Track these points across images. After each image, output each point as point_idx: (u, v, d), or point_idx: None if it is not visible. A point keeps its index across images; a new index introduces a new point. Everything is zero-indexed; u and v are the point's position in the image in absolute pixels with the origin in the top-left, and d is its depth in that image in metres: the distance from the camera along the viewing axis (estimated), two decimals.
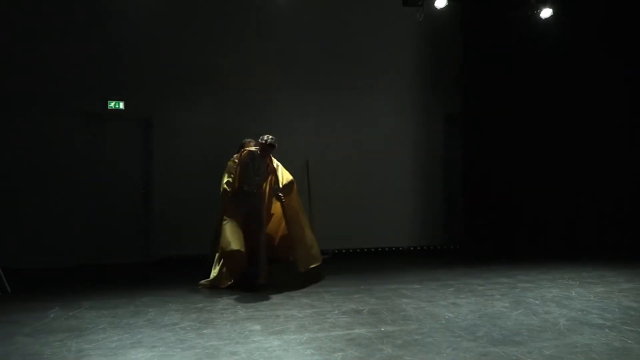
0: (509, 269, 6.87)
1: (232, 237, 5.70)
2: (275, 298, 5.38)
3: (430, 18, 8.23)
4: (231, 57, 8.15)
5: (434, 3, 7.69)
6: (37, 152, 7.32)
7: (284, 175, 6.26)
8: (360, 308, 4.87)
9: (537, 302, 5.13)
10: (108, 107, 7.69)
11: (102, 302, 5.15)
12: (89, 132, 7.64)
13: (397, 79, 8.89)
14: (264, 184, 6.30)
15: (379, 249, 8.69)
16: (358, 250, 8.58)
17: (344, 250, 8.49)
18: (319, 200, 8.34)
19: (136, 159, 7.88)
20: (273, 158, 6.27)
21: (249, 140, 6.57)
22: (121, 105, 7.74)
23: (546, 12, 7.90)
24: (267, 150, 6.04)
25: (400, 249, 8.81)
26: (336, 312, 4.73)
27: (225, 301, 5.21)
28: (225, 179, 6.05)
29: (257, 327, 4.29)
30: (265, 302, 5.22)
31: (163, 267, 7.32)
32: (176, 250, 7.67)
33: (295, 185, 6.39)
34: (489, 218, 8.55)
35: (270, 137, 6.06)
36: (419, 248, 8.91)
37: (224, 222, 5.83)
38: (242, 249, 5.68)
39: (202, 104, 8.00)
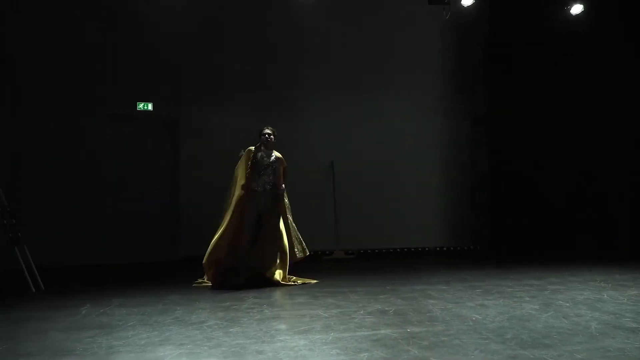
0: (538, 271, 6.74)
1: (212, 247, 5.92)
2: (301, 298, 5.39)
3: (456, 16, 8.13)
4: (255, 58, 8.22)
5: (460, 1, 7.60)
6: (68, 153, 7.52)
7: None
8: (386, 308, 4.84)
9: (567, 304, 5.01)
10: (137, 109, 7.85)
11: (131, 300, 5.25)
12: (119, 132, 7.81)
13: (422, 79, 8.82)
14: (277, 181, 6.10)
15: (405, 250, 8.64)
16: (384, 251, 8.54)
17: (369, 251, 8.46)
18: (345, 200, 8.33)
19: (163, 159, 8.01)
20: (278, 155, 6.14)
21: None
22: (149, 106, 7.90)
23: (577, 9, 7.73)
24: (262, 142, 5.99)
25: (426, 249, 8.74)
26: (362, 312, 4.71)
27: (252, 300, 5.25)
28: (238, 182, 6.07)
29: (283, 326, 4.30)
30: (290, 301, 5.23)
31: (190, 265, 7.40)
32: (203, 249, 7.75)
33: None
34: (517, 218, 8.42)
35: (267, 129, 6.05)
36: (445, 249, 8.82)
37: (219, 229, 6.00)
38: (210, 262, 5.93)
39: (228, 105, 8.09)
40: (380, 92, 8.64)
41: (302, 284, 6.06)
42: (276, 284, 5.97)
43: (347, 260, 7.97)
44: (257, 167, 6.04)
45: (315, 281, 6.14)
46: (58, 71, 7.52)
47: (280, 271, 6.08)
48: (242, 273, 6.00)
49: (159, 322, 4.46)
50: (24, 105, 7.32)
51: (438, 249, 8.80)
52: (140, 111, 7.89)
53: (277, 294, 5.53)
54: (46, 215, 7.31)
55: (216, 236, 5.98)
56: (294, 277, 6.18)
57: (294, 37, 8.34)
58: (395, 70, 8.70)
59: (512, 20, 8.49)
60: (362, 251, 8.38)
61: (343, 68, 8.52)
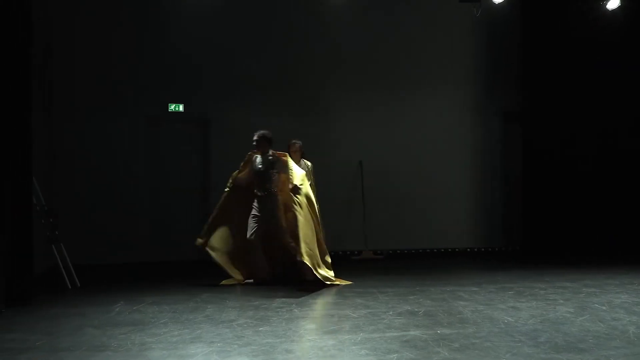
0: (572, 273, 6.58)
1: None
2: (330, 298, 5.40)
3: (488, 12, 8.01)
4: (284, 58, 8.26)
5: None
6: (102, 154, 7.72)
7: (295, 173, 6.08)
8: (416, 310, 4.80)
9: (604, 308, 4.87)
10: (168, 110, 8.01)
11: (163, 298, 5.35)
12: (151, 133, 7.98)
13: (453, 77, 8.71)
14: (283, 185, 6.18)
15: (435, 250, 8.54)
16: (413, 251, 8.47)
17: (398, 251, 8.41)
18: (373, 200, 8.30)
19: (195, 159, 8.14)
20: (286, 158, 6.18)
21: (294, 141, 6.64)
22: (180, 107, 8.04)
23: (613, 3, 7.51)
24: (256, 146, 6.08)
25: (457, 250, 8.63)
26: (391, 313, 4.69)
27: (281, 300, 5.28)
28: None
29: (312, 326, 4.32)
30: (319, 301, 5.24)
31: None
32: None
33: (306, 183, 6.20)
34: (552, 219, 8.22)
35: (255, 134, 6.11)
36: (476, 249, 8.69)
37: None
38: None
39: (257, 105, 8.15)
40: (409, 91, 8.56)
41: (337, 284, 5.98)
42: (308, 272, 5.79)
43: (376, 260, 7.94)
44: (255, 173, 6.15)
45: (349, 282, 6.08)
46: (91, 74, 7.71)
47: (306, 256, 5.70)
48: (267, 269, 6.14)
49: (190, 319, 4.54)
50: (59, 107, 7.53)
51: (469, 249, 8.68)
52: (172, 112, 8.04)
53: (306, 294, 5.55)
54: (81, 215, 7.50)
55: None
56: (332, 273, 6.07)
57: (322, 37, 8.34)
58: (425, 68, 8.61)
59: (545, 16, 8.30)
60: (391, 251, 8.33)
61: (372, 67, 8.48)
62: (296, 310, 4.85)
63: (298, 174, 6.03)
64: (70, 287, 5.94)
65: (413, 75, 8.57)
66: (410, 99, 8.55)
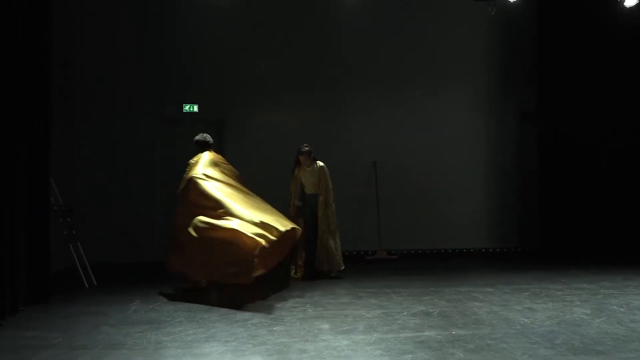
0: (590, 274, 6.49)
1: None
2: (344, 298, 5.39)
3: (503, 10, 7.94)
4: (298, 59, 8.27)
5: None
6: (118, 154, 7.80)
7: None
8: (430, 310, 4.78)
9: (622, 309, 4.80)
10: (183, 110, 8.08)
11: (178, 297, 5.39)
12: (166, 134, 8.05)
13: (468, 75, 8.65)
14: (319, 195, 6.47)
15: (449, 251, 8.49)
16: (427, 252, 8.43)
17: (412, 252, 8.37)
18: (388, 200, 8.27)
19: None
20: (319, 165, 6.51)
21: (304, 145, 6.62)
22: (195, 108, 8.10)
23: (630, 1, 7.39)
24: (300, 157, 6.48)
25: (472, 250, 8.56)
26: (405, 313, 4.67)
27: (295, 299, 5.29)
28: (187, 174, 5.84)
29: (326, 325, 4.32)
30: (333, 301, 5.24)
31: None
32: None
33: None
34: (570, 219, 8.10)
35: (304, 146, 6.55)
36: (491, 250, 8.62)
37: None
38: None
39: (271, 105, 8.18)
40: (423, 91, 8.52)
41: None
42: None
43: (390, 260, 7.92)
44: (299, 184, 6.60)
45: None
46: (107, 76, 7.80)
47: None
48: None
49: (204, 318, 4.57)
50: (75, 108, 7.63)
51: (484, 250, 8.61)
52: (187, 113, 8.10)
53: (320, 293, 5.55)
54: (98, 215, 7.59)
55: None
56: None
57: (336, 37, 8.34)
58: (439, 67, 8.56)
59: (561, 14, 8.19)
60: (405, 252, 8.30)
61: (386, 66, 8.46)
62: (310, 310, 4.85)
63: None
64: (87, 286, 6.01)
65: (427, 75, 8.52)
66: (425, 98, 8.51)
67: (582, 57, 8.14)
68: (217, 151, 6.42)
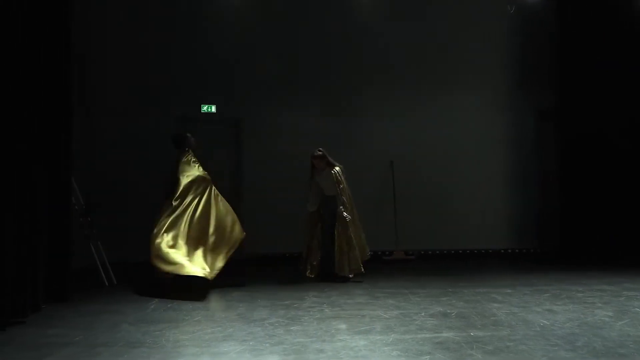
0: (611, 276, 6.38)
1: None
2: (361, 298, 5.38)
3: (522, 9, 7.85)
4: (315, 59, 8.28)
5: None
6: (137, 154, 7.88)
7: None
8: (448, 311, 4.74)
9: None
10: (201, 111, 8.13)
11: (196, 296, 5.43)
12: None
13: (486, 75, 8.57)
14: (338, 199, 6.38)
15: (467, 251, 8.41)
16: (445, 252, 8.37)
17: (430, 252, 8.32)
18: (405, 200, 8.23)
19: (227, 159, 8.23)
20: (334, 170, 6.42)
21: (317, 149, 6.60)
22: (213, 108, 8.16)
23: None
24: (314, 161, 6.43)
25: (490, 251, 8.48)
26: (423, 314, 4.64)
27: (312, 299, 5.29)
28: None
29: (343, 326, 4.31)
30: (350, 301, 5.23)
31: (253, 264, 7.56)
32: (266, 248, 7.90)
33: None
34: (590, 220, 7.97)
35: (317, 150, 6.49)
36: (510, 251, 8.53)
37: None
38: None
39: (289, 105, 8.20)
40: (441, 90, 8.47)
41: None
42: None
43: (407, 261, 7.88)
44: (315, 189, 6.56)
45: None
46: (126, 76, 7.90)
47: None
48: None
49: (222, 318, 4.60)
50: (94, 108, 7.72)
51: (503, 251, 8.51)
52: (204, 113, 8.16)
53: (337, 294, 5.55)
54: (117, 214, 7.67)
55: None
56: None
57: (354, 36, 8.33)
58: (457, 66, 8.50)
59: (580, 12, 8.07)
60: (422, 252, 8.25)
61: (404, 66, 8.42)
62: (327, 310, 4.85)
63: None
64: (107, 284, 6.09)
65: (445, 74, 8.47)
66: (442, 97, 8.46)
67: (603, 54, 8.00)
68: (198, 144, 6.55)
